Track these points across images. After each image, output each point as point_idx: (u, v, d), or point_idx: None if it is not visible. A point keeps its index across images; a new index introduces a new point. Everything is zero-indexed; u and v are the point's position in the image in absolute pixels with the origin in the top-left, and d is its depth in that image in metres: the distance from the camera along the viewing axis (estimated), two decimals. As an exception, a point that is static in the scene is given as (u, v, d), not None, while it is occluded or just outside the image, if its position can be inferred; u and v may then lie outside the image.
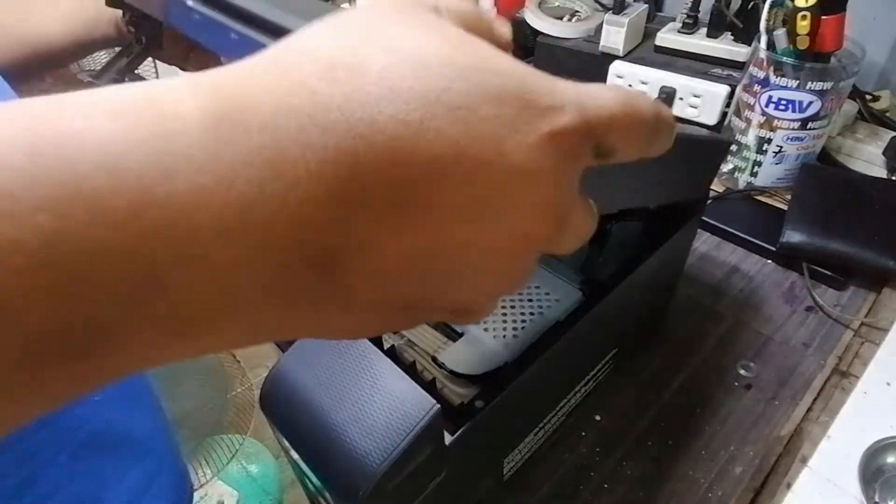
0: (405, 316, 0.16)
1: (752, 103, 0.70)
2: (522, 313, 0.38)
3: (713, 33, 0.80)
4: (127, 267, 0.11)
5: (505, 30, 0.18)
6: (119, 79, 0.43)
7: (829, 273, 0.63)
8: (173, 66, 0.47)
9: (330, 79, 0.13)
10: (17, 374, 0.11)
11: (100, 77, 0.42)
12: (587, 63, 0.88)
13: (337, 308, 0.15)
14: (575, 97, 0.15)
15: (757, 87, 0.68)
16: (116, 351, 0.12)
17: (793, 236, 0.63)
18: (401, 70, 0.13)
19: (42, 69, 0.44)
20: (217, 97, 0.13)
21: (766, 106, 0.68)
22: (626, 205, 0.33)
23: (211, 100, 0.12)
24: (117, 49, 0.43)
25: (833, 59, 0.66)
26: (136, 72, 0.44)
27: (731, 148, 0.75)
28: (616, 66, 0.81)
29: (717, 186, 0.77)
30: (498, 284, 0.17)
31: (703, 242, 0.70)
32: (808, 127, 0.68)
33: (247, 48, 0.26)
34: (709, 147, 0.37)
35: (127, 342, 0.12)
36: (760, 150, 0.72)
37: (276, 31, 0.25)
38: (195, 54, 0.45)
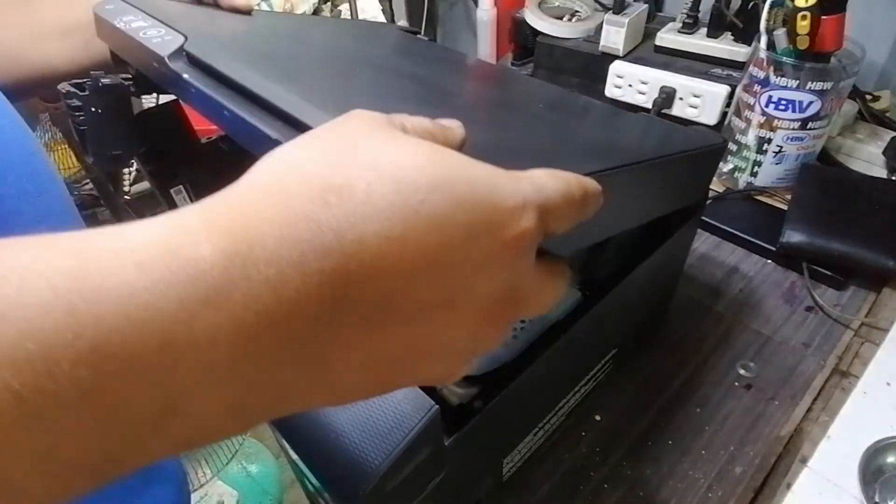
0: (384, 389, 0.19)
1: (752, 103, 0.70)
2: (522, 313, 0.38)
3: (713, 33, 0.80)
4: (150, 405, 0.13)
5: (460, 132, 0.20)
6: (99, 90, 0.42)
7: (829, 273, 0.63)
8: None
9: (323, 203, 0.15)
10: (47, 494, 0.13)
11: (82, 90, 0.42)
12: (587, 63, 0.88)
13: (324, 392, 0.17)
14: (532, 192, 0.18)
15: (757, 87, 0.68)
16: (130, 462, 0.14)
17: (793, 236, 0.63)
18: (383, 188, 0.15)
19: (44, 90, 0.45)
20: (230, 238, 0.14)
21: (766, 106, 0.68)
22: (625, 226, 0.33)
23: (225, 241, 0.14)
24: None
25: (833, 59, 0.66)
26: None
27: (731, 148, 0.75)
28: (616, 66, 0.81)
29: (717, 186, 0.77)
30: (471, 352, 0.19)
31: (703, 242, 0.70)
32: (808, 127, 0.68)
33: (238, 126, 0.28)
34: (704, 156, 0.37)
35: (143, 458, 0.14)
36: (760, 150, 0.72)
37: (269, 108, 0.27)
38: None
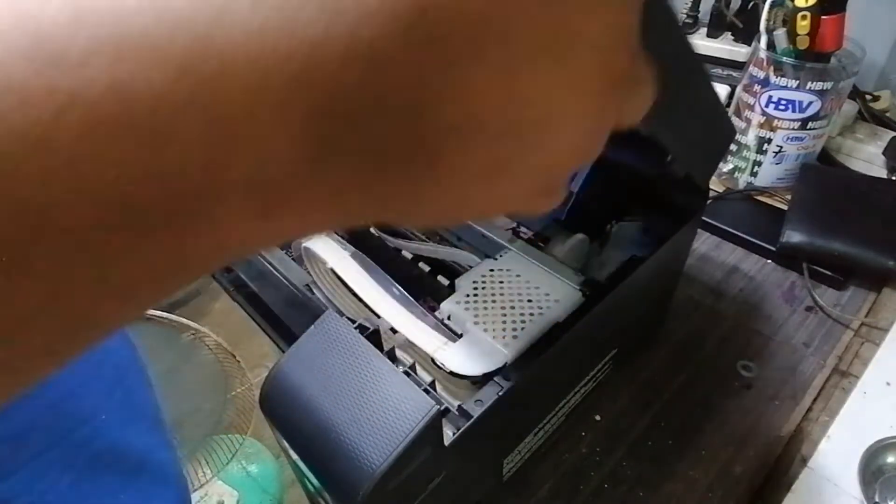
0: (489, 189, 0.15)
1: (752, 103, 0.70)
2: (522, 314, 0.38)
3: (713, 33, 0.80)
4: (194, 120, 0.10)
5: None
6: None
7: (829, 273, 0.63)
8: None
9: None
10: (87, 260, 0.10)
11: None
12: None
13: (422, 172, 0.13)
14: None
15: (757, 87, 0.68)
16: (196, 228, 0.11)
17: (793, 236, 0.63)
18: None
19: None
20: None
21: (766, 106, 0.68)
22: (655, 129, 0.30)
23: None
24: None
25: (833, 59, 0.66)
26: None
27: (731, 148, 0.75)
28: (616, 66, 0.82)
29: (717, 186, 0.77)
30: (577, 148, 0.16)
31: (703, 242, 0.70)
32: (808, 127, 0.68)
33: None
34: (726, 123, 0.36)
35: (209, 218, 0.11)
36: (760, 150, 0.72)
37: None
38: None
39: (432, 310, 0.41)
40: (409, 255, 0.48)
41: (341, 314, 0.35)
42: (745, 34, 0.77)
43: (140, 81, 0.10)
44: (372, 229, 0.49)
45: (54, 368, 0.12)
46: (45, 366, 0.12)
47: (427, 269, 0.47)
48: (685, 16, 0.82)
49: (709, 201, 0.65)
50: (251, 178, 0.11)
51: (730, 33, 0.80)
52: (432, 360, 0.36)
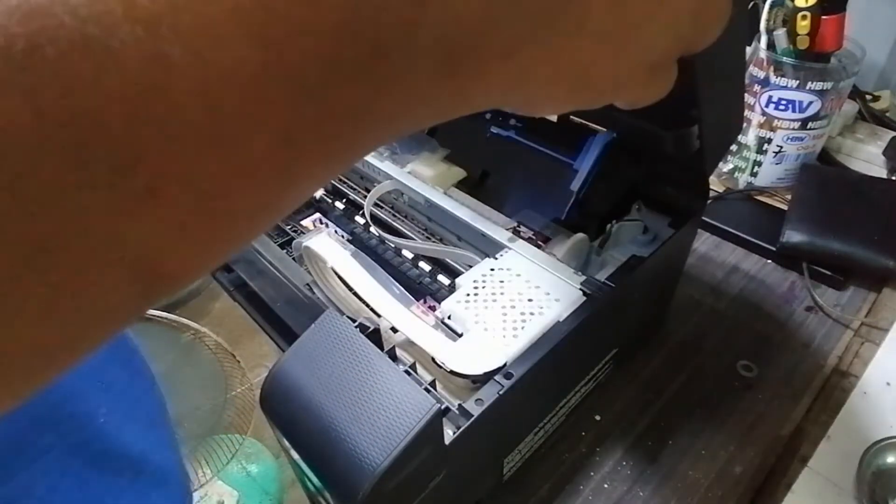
0: (616, 65, 0.17)
1: (752, 103, 0.70)
2: (522, 313, 0.38)
3: (713, 33, 0.80)
4: (356, 46, 0.11)
5: None
6: None
7: (829, 273, 0.63)
8: None
9: None
10: (314, 96, 0.11)
11: None
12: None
13: (573, 30, 0.15)
14: None
15: (757, 87, 0.68)
16: (397, 84, 0.12)
17: (793, 236, 0.63)
18: None
19: None
20: None
21: (766, 106, 0.68)
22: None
23: None
24: None
25: (833, 59, 0.66)
26: None
27: (731, 148, 0.75)
28: (616, 66, 0.82)
29: (717, 186, 0.77)
30: (678, 32, 0.18)
31: (703, 242, 0.70)
32: (808, 127, 0.68)
33: None
34: (740, 117, 0.36)
35: (405, 73, 0.12)
36: (760, 150, 0.72)
37: None
38: None
39: (432, 309, 0.41)
40: (409, 255, 0.48)
41: (341, 313, 0.35)
42: (745, 34, 0.77)
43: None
44: (372, 228, 0.49)
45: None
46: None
47: (427, 268, 0.47)
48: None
49: (709, 201, 0.65)
50: (440, 42, 0.12)
51: (730, 33, 0.80)
52: (432, 360, 0.36)
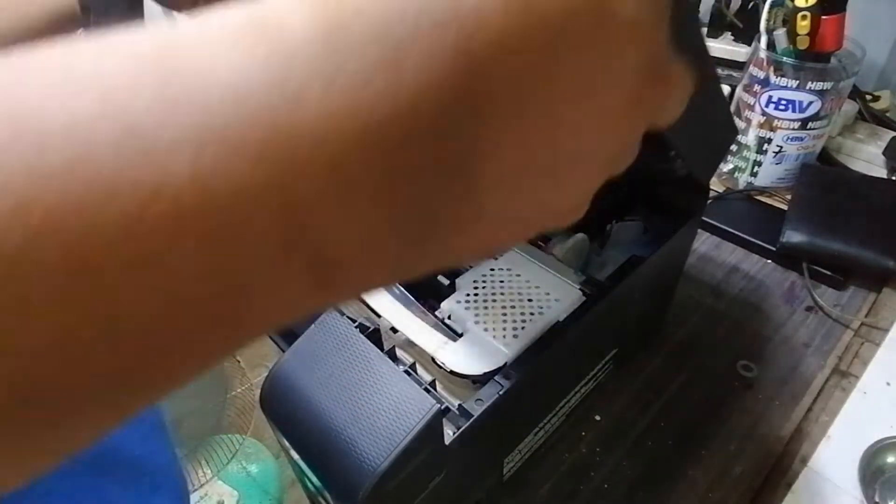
0: (525, 226, 0.16)
1: (752, 103, 0.70)
2: (522, 313, 0.38)
3: (713, 33, 0.80)
4: (269, 206, 0.11)
5: None
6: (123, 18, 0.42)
7: (829, 273, 0.63)
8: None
9: None
10: (159, 338, 0.11)
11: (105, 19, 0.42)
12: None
13: (469, 223, 0.14)
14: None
15: (757, 87, 0.68)
16: (258, 305, 0.12)
17: (793, 236, 0.63)
18: None
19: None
20: (323, 8, 0.11)
21: (766, 106, 0.68)
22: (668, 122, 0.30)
23: (318, 12, 0.11)
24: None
25: (833, 59, 0.66)
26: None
27: (732, 148, 0.75)
28: (616, 66, 0.82)
29: (717, 186, 0.77)
30: (610, 164, 0.16)
31: (703, 242, 0.70)
32: (808, 127, 0.68)
33: None
34: (728, 123, 0.36)
35: (269, 295, 0.12)
36: (760, 150, 0.72)
37: None
38: None
39: (433, 309, 0.41)
40: (409, 255, 0.48)
41: (341, 314, 0.35)
42: (745, 34, 0.77)
43: (220, 172, 0.10)
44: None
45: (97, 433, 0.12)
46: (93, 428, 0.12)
47: (427, 268, 0.47)
48: (685, 16, 0.82)
49: (709, 201, 0.65)
50: (318, 255, 0.12)
51: (730, 33, 0.80)
52: (433, 360, 0.36)
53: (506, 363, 0.35)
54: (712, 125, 0.30)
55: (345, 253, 0.12)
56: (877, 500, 0.44)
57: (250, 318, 0.12)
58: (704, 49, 0.20)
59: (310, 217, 0.11)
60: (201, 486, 1.04)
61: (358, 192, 0.12)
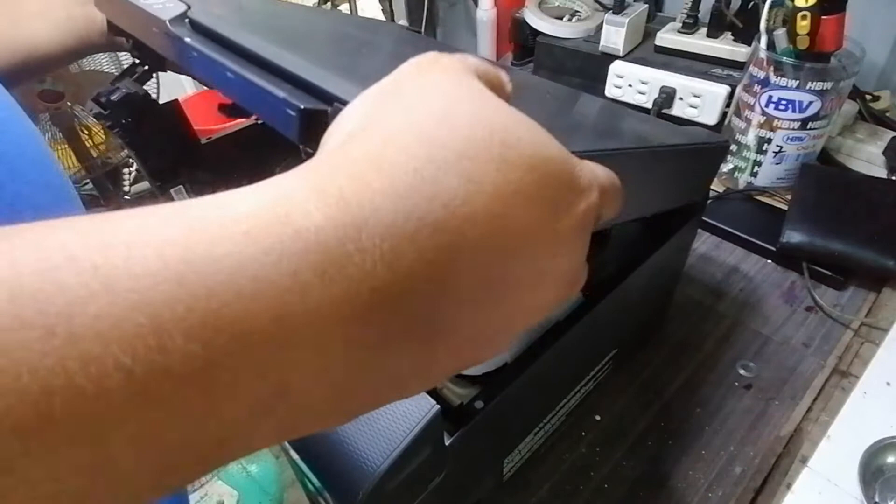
0: (462, 368, 0.18)
1: (752, 103, 0.70)
2: (522, 313, 0.38)
3: (713, 33, 0.80)
4: (263, 384, 0.12)
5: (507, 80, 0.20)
6: (129, 92, 0.44)
7: (829, 273, 0.63)
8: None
9: (433, 178, 0.14)
10: (145, 491, 0.12)
11: (113, 87, 0.44)
12: (587, 63, 0.88)
13: (421, 377, 0.16)
14: (592, 175, 0.18)
15: (757, 87, 0.68)
16: (226, 453, 0.13)
17: (793, 236, 0.63)
18: (487, 167, 0.15)
19: (33, 75, 0.45)
20: (343, 208, 0.13)
21: (766, 106, 0.68)
22: (629, 217, 0.33)
23: (337, 210, 0.13)
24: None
25: (833, 59, 0.66)
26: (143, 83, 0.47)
27: (731, 148, 0.75)
28: (616, 66, 0.81)
29: (717, 186, 0.77)
30: (531, 324, 0.19)
31: (703, 242, 0.70)
32: (808, 127, 0.68)
33: (241, 87, 0.27)
34: (707, 153, 0.37)
35: (239, 446, 0.13)
36: (760, 150, 0.72)
37: (273, 71, 0.26)
38: None
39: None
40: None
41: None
42: (745, 34, 0.77)
43: (223, 362, 0.12)
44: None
45: None
46: None
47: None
48: (685, 16, 0.82)
49: (709, 201, 0.65)
50: (290, 417, 0.14)
51: (730, 33, 0.80)
52: (432, 360, 0.36)
53: (506, 363, 0.35)
54: (682, 176, 0.32)
55: (312, 412, 0.14)
56: (877, 500, 0.44)
57: (219, 460, 0.14)
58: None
59: (294, 387, 0.13)
60: (201, 486, 1.04)
61: (338, 364, 0.14)
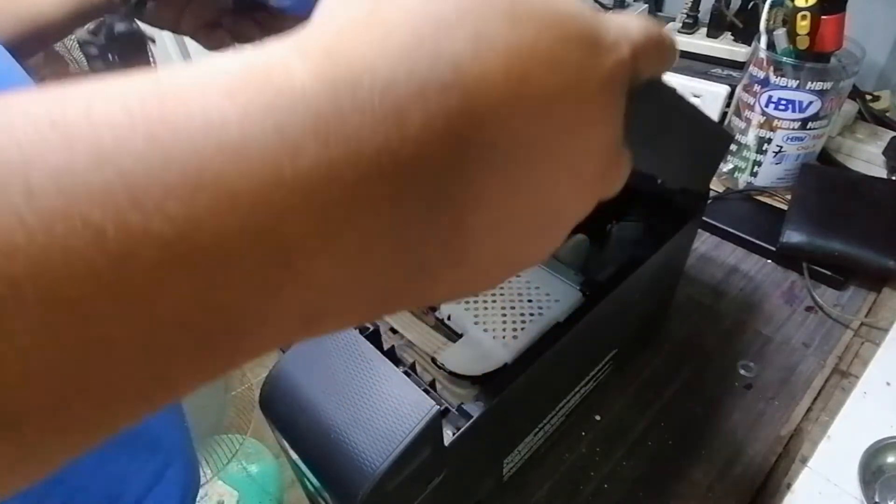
0: (502, 269, 0.17)
1: (751, 103, 0.70)
2: (522, 314, 0.38)
3: (713, 33, 0.80)
4: (258, 254, 0.11)
5: None
6: (115, 37, 0.43)
7: (829, 273, 0.63)
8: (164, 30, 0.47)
9: (434, 35, 0.13)
10: (145, 368, 0.11)
11: (96, 35, 0.43)
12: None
13: (452, 267, 0.15)
14: (621, 31, 0.16)
15: (757, 87, 0.68)
16: (244, 341, 0.12)
17: (793, 236, 0.63)
18: (497, 25, 0.13)
19: (39, 44, 0.44)
20: (332, 63, 0.12)
21: (766, 106, 0.68)
22: (638, 166, 0.31)
23: (327, 66, 0.12)
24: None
25: (833, 59, 0.66)
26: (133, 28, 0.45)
27: (731, 148, 0.75)
28: (616, 66, 0.81)
29: (717, 186, 0.77)
30: (570, 222, 0.18)
31: (703, 242, 0.70)
32: (808, 127, 0.68)
33: None
34: (717, 134, 0.36)
35: (255, 332, 0.12)
36: (760, 150, 0.72)
37: None
38: (188, 16, 0.44)
39: (432, 310, 0.41)
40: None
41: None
42: (745, 34, 0.77)
43: (209, 222, 0.10)
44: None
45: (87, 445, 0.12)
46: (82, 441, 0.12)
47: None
48: (685, 16, 0.82)
49: (709, 201, 0.65)
50: (306, 296, 0.12)
51: (730, 33, 0.80)
52: (432, 360, 0.36)
53: (506, 364, 0.35)
54: (695, 149, 0.31)
55: (332, 294, 0.13)
56: (877, 500, 0.44)
57: (239, 350, 0.12)
58: (675, 97, 0.21)
59: (300, 260, 0.12)
60: (201, 486, 1.04)
61: (348, 237, 0.12)
